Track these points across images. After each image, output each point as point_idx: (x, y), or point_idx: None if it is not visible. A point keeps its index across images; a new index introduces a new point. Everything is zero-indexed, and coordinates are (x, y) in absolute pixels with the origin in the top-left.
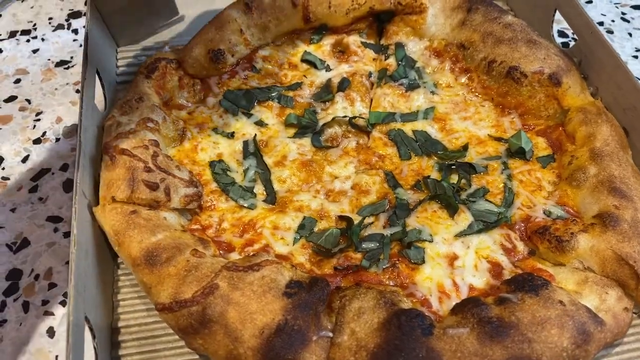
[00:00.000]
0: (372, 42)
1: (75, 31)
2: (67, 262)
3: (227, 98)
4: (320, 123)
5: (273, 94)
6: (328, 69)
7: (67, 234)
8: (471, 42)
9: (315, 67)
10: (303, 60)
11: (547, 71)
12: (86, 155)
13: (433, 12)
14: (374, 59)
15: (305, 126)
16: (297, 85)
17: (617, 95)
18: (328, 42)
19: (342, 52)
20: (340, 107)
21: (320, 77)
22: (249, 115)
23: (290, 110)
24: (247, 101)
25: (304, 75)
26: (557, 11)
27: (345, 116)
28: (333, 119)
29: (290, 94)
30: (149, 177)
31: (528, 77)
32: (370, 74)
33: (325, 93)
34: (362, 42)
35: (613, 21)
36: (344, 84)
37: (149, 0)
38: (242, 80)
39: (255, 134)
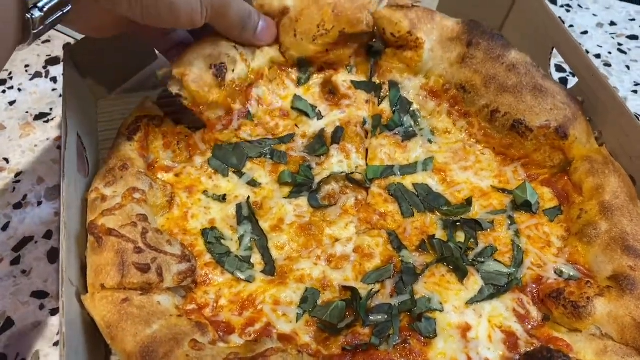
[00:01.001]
0: (363, 78)
1: (54, 79)
2: (55, 344)
3: (216, 156)
4: (317, 180)
5: (265, 150)
6: (320, 116)
7: (53, 311)
8: (472, 85)
9: (307, 115)
10: (294, 108)
11: (553, 124)
12: (71, 237)
13: (429, 45)
14: (366, 101)
15: (301, 184)
16: (290, 138)
17: (623, 142)
18: (316, 82)
19: (332, 93)
20: (336, 161)
21: (313, 126)
22: (240, 174)
23: (284, 167)
24: (237, 158)
25: (296, 125)
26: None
27: (342, 172)
28: (329, 175)
29: (283, 147)
30: (139, 258)
31: (534, 131)
32: (364, 122)
33: (319, 144)
34: (352, 82)
35: (610, 53)
36: (338, 134)
37: (125, 46)
38: (234, 131)
39: (249, 196)
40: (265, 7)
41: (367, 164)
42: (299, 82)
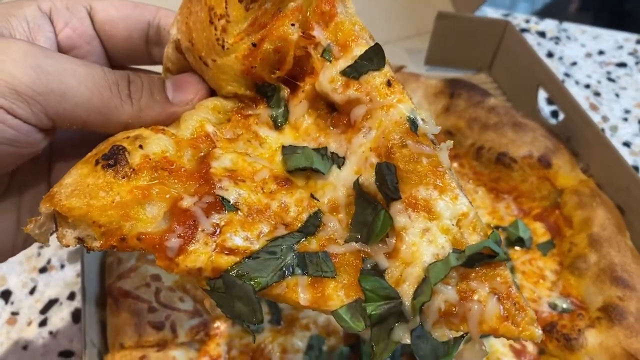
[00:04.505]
0: (359, 49)
1: None
2: None
3: (220, 307)
4: (405, 302)
5: (288, 260)
6: (339, 160)
7: None
8: (458, 129)
9: (318, 171)
10: (292, 171)
11: (536, 154)
12: (91, 300)
13: (416, 100)
14: (388, 83)
15: (385, 316)
16: (316, 222)
17: (608, 174)
18: (300, 110)
19: (335, 109)
20: (418, 233)
21: (338, 185)
22: None
23: (333, 284)
24: (245, 303)
25: (312, 197)
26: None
27: (447, 263)
28: (424, 283)
29: (314, 244)
30: (154, 317)
31: (518, 162)
32: (412, 121)
33: (370, 211)
34: (344, 72)
35: (599, 82)
36: (388, 179)
37: None
38: (209, 242)
39: None
40: (168, 64)
41: (471, 203)
42: (277, 124)
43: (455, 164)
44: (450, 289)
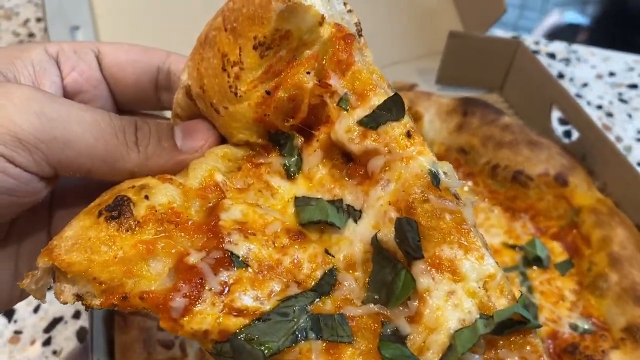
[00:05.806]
0: (379, 99)
1: None
2: None
3: None
4: None
5: (301, 323)
6: (355, 214)
7: None
8: (471, 146)
9: (334, 225)
10: (306, 224)
11: (552, 172)
12: (98, 318)
13: (429, 117)
14: (407, 134)
15: None
16: (331, 281)
17: (627, 192)
18: (314, 160)
19: (351, 159)
20: (442, 296)
21: (355, 240)
22: None
23: (349, 350)
24: None
25: (327, 252)
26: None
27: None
28: (448, 348)
29: (329, 304)
30: (163, 335)
31: (534, 180)
32: (434, 174)
33: (388, 267)
34: (361, 122)
35: (611, 103)
36: (409, 237)
37: None
38: (216, 303)
39: None
40: (177, 110)
41: (497, 264)
42: (289, 174)
43: (470, 183)
44: (478, 358)
